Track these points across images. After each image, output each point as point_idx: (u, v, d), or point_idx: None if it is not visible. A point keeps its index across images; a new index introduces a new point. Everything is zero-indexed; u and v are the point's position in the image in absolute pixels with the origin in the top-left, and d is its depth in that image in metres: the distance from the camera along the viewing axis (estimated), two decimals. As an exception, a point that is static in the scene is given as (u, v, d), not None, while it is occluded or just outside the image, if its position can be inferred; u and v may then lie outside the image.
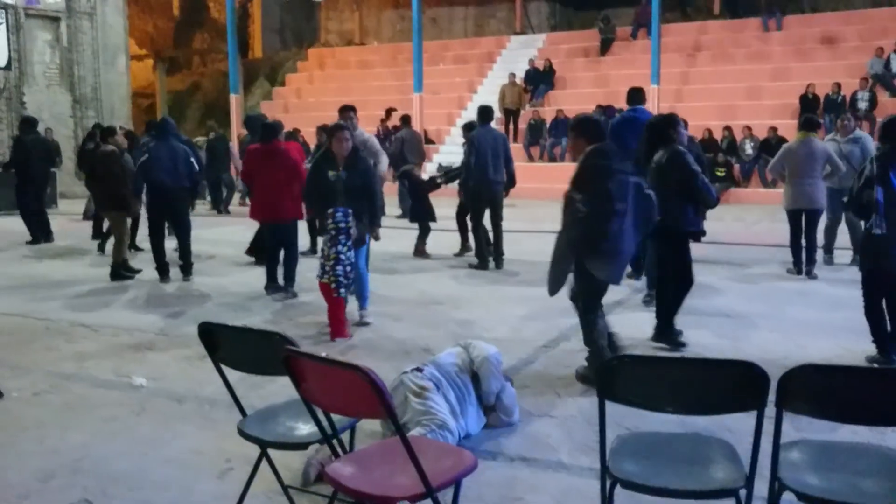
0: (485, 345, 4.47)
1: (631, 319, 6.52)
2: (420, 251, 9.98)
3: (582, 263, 4.92)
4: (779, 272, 8.72)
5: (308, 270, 7.75)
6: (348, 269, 6.04)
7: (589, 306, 5.07)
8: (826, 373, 2.51)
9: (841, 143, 8.80)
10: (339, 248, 5.99)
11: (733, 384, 2.52)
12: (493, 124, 9.38)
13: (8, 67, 19.75)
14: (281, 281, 7.78)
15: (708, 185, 5.76)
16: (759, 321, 6.66)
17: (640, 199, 4.94)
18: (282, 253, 7.85)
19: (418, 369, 4.16)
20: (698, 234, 5.96)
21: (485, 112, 9.23)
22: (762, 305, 7.27)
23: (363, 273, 6.57)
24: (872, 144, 8.70)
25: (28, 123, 12.86)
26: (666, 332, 5.83)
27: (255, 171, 7.86)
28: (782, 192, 8.86)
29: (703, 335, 6.11)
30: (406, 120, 14.63)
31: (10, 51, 19.76)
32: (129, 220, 9.45)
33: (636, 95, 8.34)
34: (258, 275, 8.30)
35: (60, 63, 21.43)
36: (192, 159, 8.77)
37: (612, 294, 7.24)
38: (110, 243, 9.44)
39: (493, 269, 9.04)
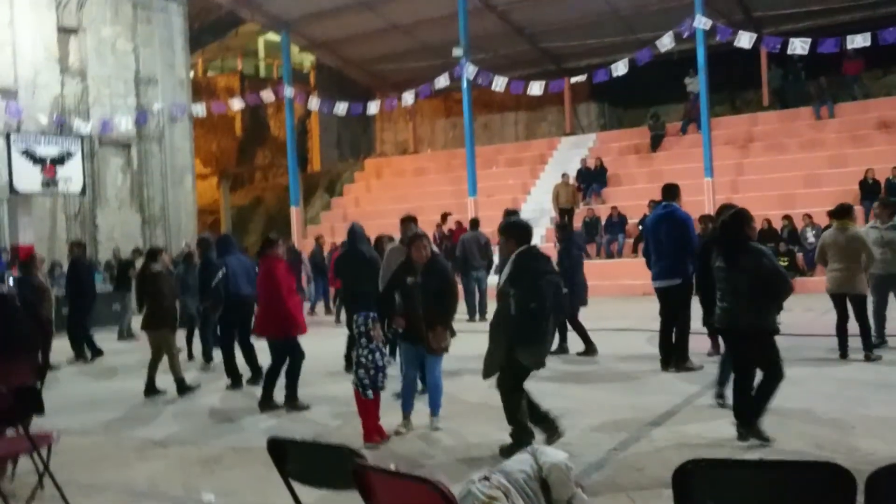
0: (553, 450, 4.37)
1: (703, 421, 6.33)
2: None
3: (512, 352, 5.43)
4: (854, 363, 8.42)
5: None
6: (372, 372, 6.19)
7: (514, 389, 5.59)
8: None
9: (882, 229, 8.96)
10: (360, 350, 6.24)
11: (818, 487, 2.41)
12: (547, 223, 9.53)
13: (83, 193, 20.87)
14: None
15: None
16: (840, 417, 6.37)
17: (557, 294, 5.50)
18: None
19: (486, 478, 4.07)
20: (777, 330, 5.82)
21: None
22: (841, 399, 6.98)
23: (437, 381, 6.64)
24: None
25: (80, 247, 13.41)
26: (754, 427, 5.62)
27: (257, 285, 8.23)
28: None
29: (781, 434, 5.86)
30: (473, 223, 14.96)
31: (85, 177, 20.93)
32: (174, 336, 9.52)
33: (670, 191, 8.37)
34: (323, 385, 8.34)
35: (131, 185, 22.57)
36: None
37: (674, 398, 7.12)
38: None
39: (553, 370, 8.91)
